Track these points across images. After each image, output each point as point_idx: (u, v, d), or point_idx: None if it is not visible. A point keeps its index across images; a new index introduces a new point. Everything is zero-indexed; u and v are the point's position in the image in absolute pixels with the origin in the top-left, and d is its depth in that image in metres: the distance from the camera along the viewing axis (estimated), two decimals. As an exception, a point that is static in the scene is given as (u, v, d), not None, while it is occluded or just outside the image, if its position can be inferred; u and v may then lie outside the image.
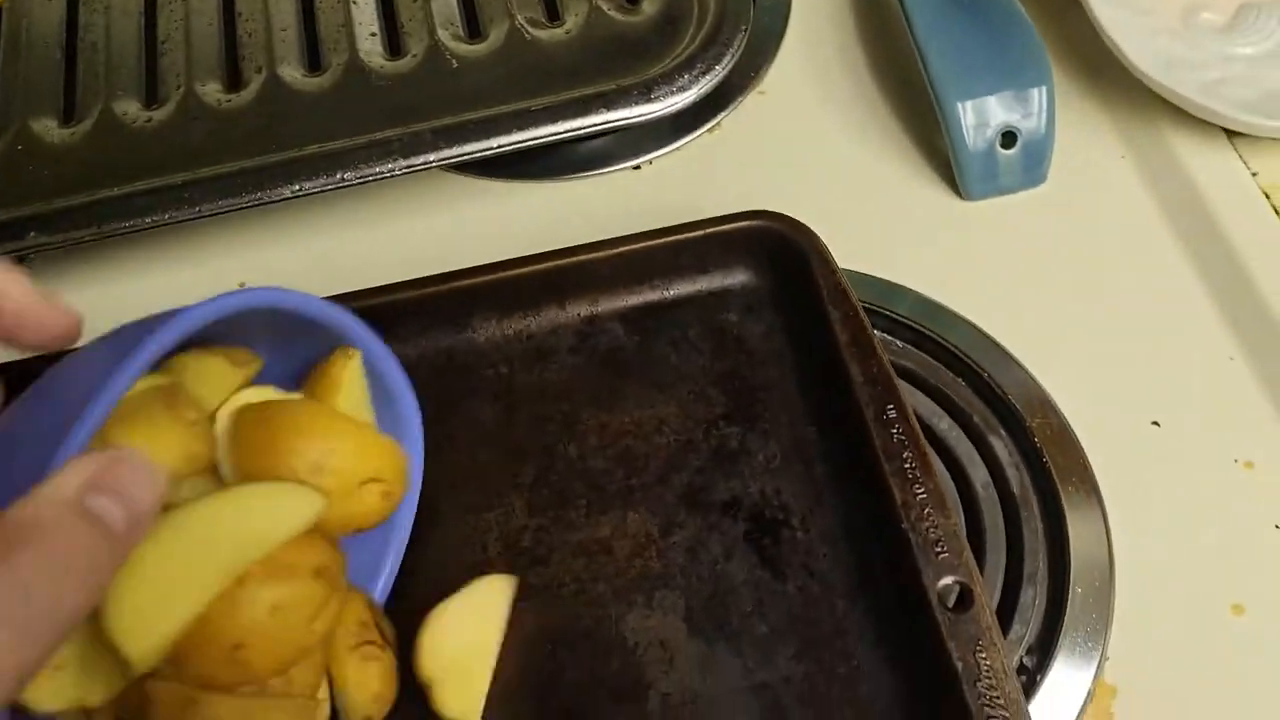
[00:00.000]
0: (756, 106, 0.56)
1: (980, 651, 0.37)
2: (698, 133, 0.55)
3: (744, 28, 0.49)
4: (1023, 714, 0.36)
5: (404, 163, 0.46)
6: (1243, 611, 0.41)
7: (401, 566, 0.40)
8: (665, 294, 0.48)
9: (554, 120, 0.46)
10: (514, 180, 0.54)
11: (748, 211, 0.47)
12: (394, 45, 0.54)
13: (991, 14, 0.52)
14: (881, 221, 0.52)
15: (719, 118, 0.55)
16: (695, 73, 0.48)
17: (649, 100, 0.47)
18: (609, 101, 0.47)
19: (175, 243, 0.53)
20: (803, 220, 0.47)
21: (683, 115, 0.55)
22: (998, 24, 0.52)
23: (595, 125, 0.46)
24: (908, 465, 0.41)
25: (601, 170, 0.54)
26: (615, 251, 0.47)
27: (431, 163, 0.46)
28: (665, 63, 0.49)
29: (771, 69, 0.57)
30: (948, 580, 0.38)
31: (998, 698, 0.36)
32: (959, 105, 0.50)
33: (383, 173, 0.46)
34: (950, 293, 0.49)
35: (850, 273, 0.49)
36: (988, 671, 0.37)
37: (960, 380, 0.47)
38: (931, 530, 0.39)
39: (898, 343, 0.48)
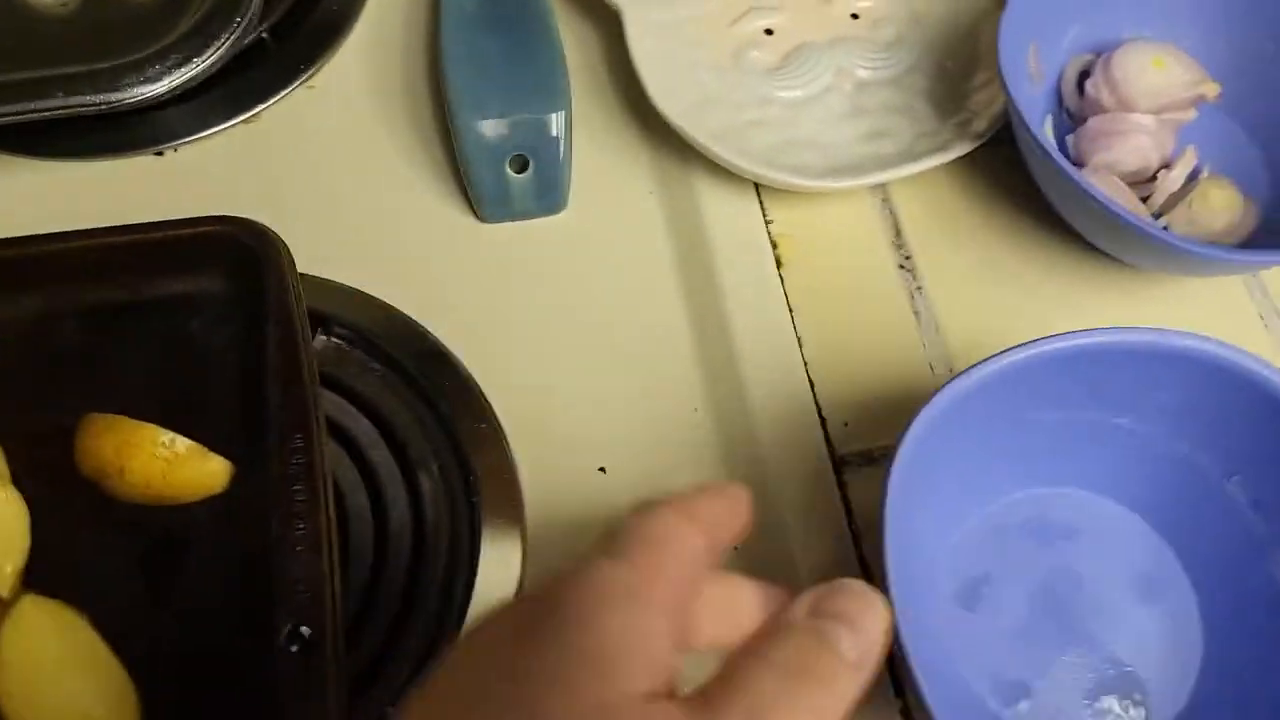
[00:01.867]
0: (303, 101, 0.53)
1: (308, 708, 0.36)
2: (233, 122, 0.52)
3: (238, 19, 0.46)
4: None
5: None
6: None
7: None
8: (130, 294, 0.46)
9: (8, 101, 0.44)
10: (25, 156, 0.51)
11: (213, 216, 0.45)
12: None
13: (524, 34, 0.51)
14: (394, 237, 0.50)
15: (259, 108, 0.53)
16: (171, 63, 0.45)
17: (114, 89, 0.45)
18: (71, 86, 0.44)
19: None
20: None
21: (219, 102, 0.53)
22: (528, 45, 0.50)
23: (48, 111, 0.44)
24: (298, 497, 0.40)
25: (121, 155, 0.51)
26: (74, 244, 0.45)
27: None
28: (153, 46, 0.46)
29: (329, 64, 0.54)
30: (295, 626, 0.37)
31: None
32: (469, 123, 0.48)
33: None
34: (442, 320, 0.47)
35: (348, 289, 0.48)
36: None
37: (416, 415, 0.46)
38: (298, 568, 0.38)
39: (376, 365, 0.47)
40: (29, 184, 0.50)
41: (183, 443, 0.41)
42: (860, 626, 0.29)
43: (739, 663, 0.28)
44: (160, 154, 0.51)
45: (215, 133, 0.52)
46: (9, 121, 0.44)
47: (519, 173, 0.49)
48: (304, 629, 0.37)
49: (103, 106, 0.44)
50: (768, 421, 0.45)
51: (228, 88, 0.53)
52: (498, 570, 0.42)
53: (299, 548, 0.39)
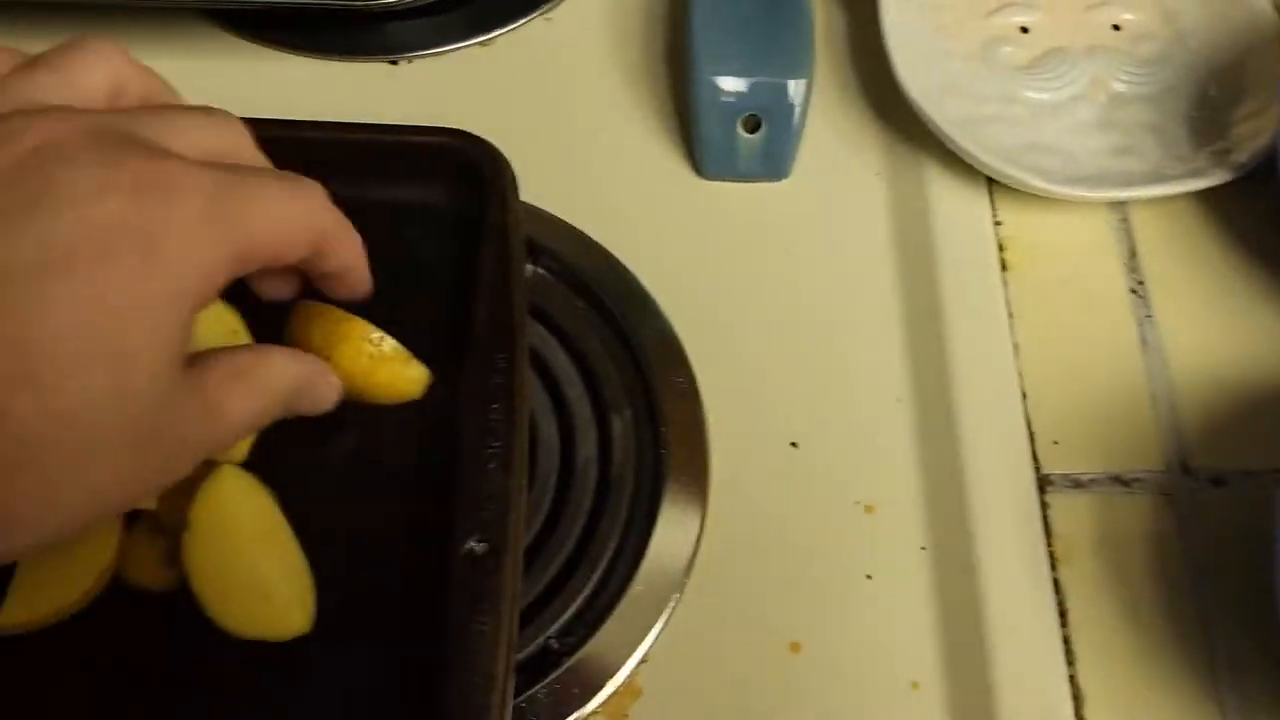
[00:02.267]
0: (538, 31, 0.53)
1: (481, 616, 0.36)
2: (468, 43, 0.52)
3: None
4: (497, 690, 0.34)
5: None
6: (800, 650, 0.40)
7: None
8: (351, 192, 0.46)
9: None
10: (267, 46, 0.52)
11: (446, 128, 0.45)
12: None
13: (777, -4, 0.49)
14: (612, 179, 0.49)
15: (495, 33, 0.53)
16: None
17: (377, -12, 0.45)
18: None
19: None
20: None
21: (458, 20, 0.53)
22: (779, 7, 0.49)
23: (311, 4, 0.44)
24: (492, 416, 0.39)
25: (357, 58, 0.51)
26: (307, 134, 0.45)
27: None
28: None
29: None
30: (476, 540, 0.37)
31: (480, 665, 0.35)
32: (708, 78, 0.47)
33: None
34: (650, 268, 0.46)
35: (561, 222, 0.48)
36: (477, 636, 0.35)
37: (614, 358, 0.45)
38: (488, 485, 0.38)
39: (580, 303, 0.46)
40: (266, 73, 0.51)
41: (389, 342, 0.40)
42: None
43: None
44: (394, 63, 0.52)
45: (450, 50, 0.52)
46: (264, 4, 0.44)
47: (750, 133, 0.48)
48: (484, 543, 0.37)
49: (358, 3, 0.44)
50: (972, 425, 0.43)
51: (470, 8, 0.53)
52: (675, 528, 0.41)
53: (490, 464, 0.38)
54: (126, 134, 0.28)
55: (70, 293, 0.25)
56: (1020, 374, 0.45)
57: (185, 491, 0.35)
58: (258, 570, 0.36)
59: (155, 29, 0.52)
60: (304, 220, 0.32)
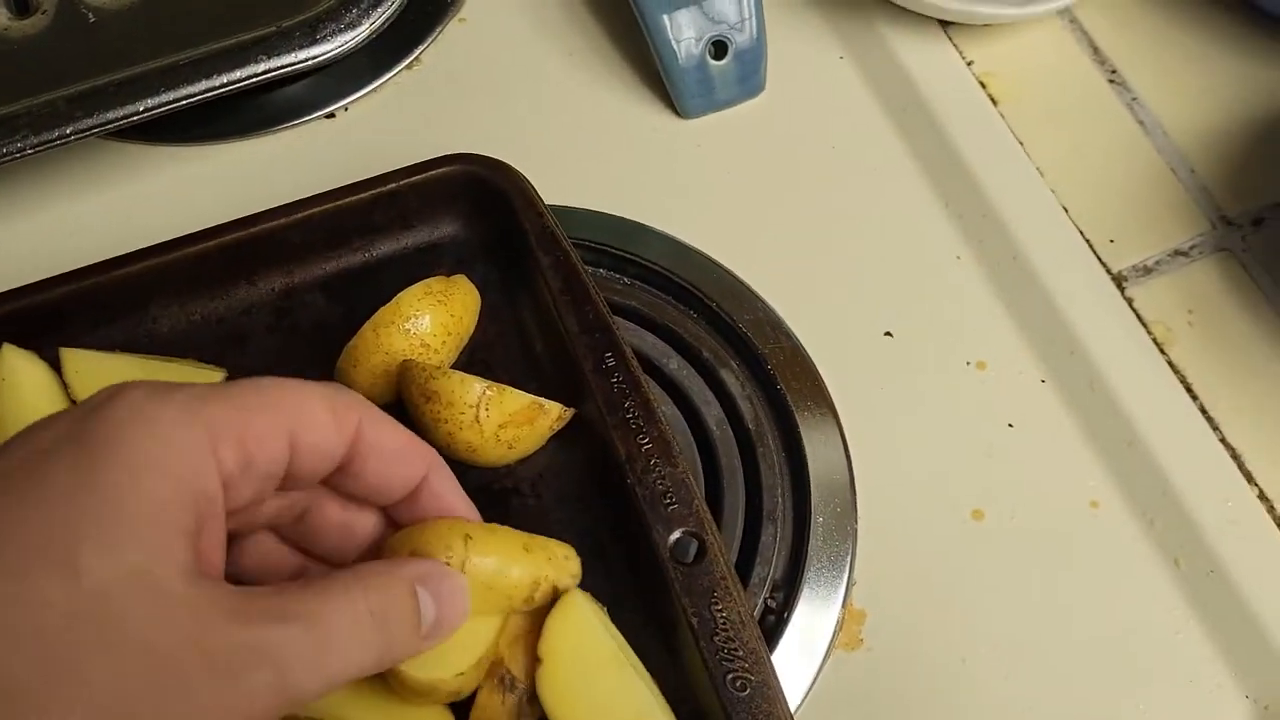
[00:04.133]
0: (458, 35, 0.51)
1: (715, 604, 0.35)
2: (395, 70, 0.50)
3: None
4: (762, 662, 0.34)
5: (35, 139, 0.40)
6: (983, 516, 0.41)
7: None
8: (368, 255, 0.44)
9: (208, 75, 0.41)
10: (191, 144, 0.48)
11: (445, 156, 0.43)
12: (20, 2, 0.47)
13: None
14: (598, 149, 0.48)
15: (417, 51, 0.50)
16: (364, 6, 0.43)
17: (314, 42, 0.42)
18: (270, 47, 0.41)
19: None
20: (512, 157, 0.43)
21: (377, 53, 0.50)
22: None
23: (255, 77, 0.41)
24: (630, 416, 0.38)
25: (292, 123, 0.48)
26: (304, 214, 0.42)
27: (70, 136, 0.40)
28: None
29: (470, -3, 0.52)
30: (678, 533, 0.36)
31: (736, 649, 0.35)
32: (663, 18, 0.47)
33: (12, 153, 0.39)
34: (673, 219, 0.46)
35: (566, 209, 0.47)
36: (724, 624, 0.35)
37: (689, 313, 0.44)
38: (659, 482, 0.37)
39: (623, 279, 0.45)
40: (210, 169, 0.48)
41: (515, 398, 0.39)
42: (447, 605, 0.30)
43: (334, 577, 0.28)
44: (332, 116, 0.49)
45: (382, 84, 0.50)
46: (217, 95, 0.41)
47: (718, 59, 0.47)
48: (687, 534, 0.36)
49: (309, 63, 0.42)
50: (1036, 254, 0.45)
51: (382, 38, 0.50)
52: (825, 455, 0.41)
53: (653, 460, 0.38)
54: None
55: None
56: (1054, 192, 0.47)
57: (521, 631, 0.34)
58: (623, 695, 0.34)
59: (62, 166, 0.48)
60: None
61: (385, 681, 0.32)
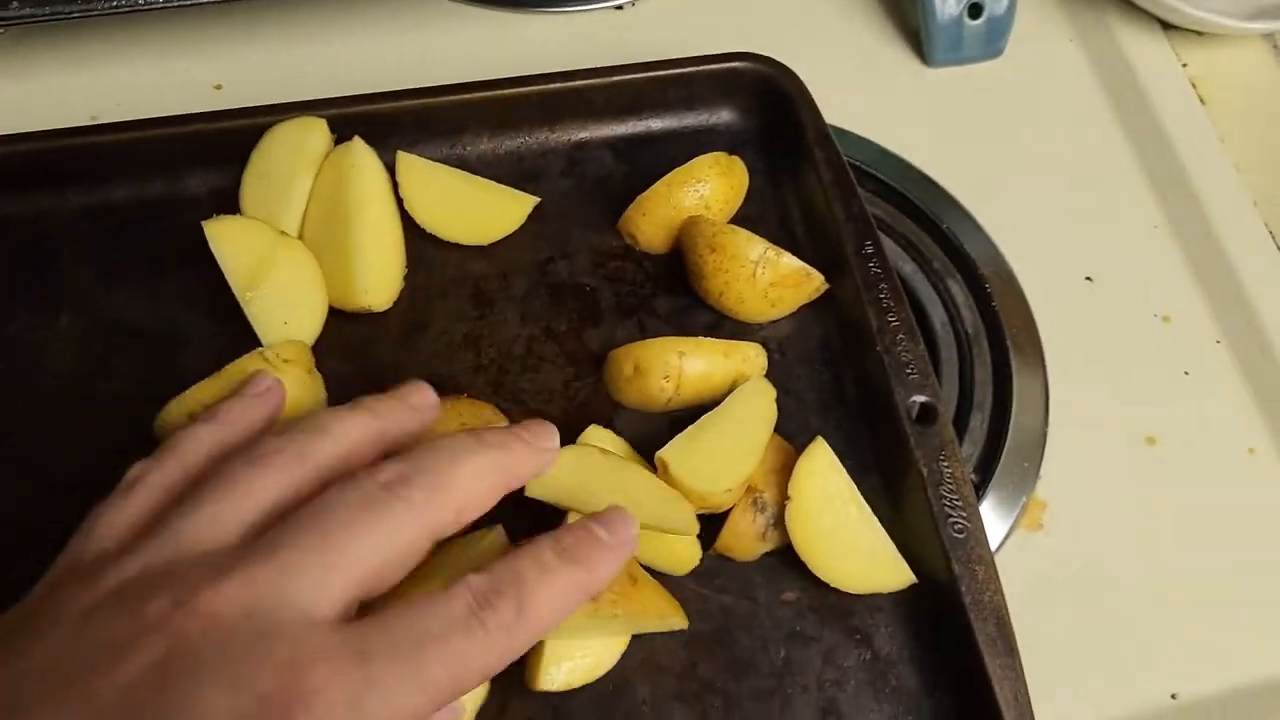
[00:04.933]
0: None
1: (944, 460, 0.41)
2: (678, -21, 0.56)
3: None
4: (977, 514, 0.40)
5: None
6: (1155, 442, 0.47)
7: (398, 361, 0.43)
8: (652, 126, 0.50)
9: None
10: (496, 9, 0.54)
11: (736, 53, 0.49)
12: None
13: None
14: (850, 79, 0.55)
15: (698, -34, 0.57)
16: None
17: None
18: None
19: (155, 35, 0.52)
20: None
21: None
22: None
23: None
24: (883, 296, 0.44)
25: (584, 7, 0.55)
26: (608, 80, 0.48)
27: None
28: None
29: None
30: (916, 398, 0.42)
31: (958, 501, 0.40)
32: (935, -26, 0.53)
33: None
34: (913, 150, 0.52)
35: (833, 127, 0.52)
36: (949, 478, 0.41)
37: (921, 230, 0.51)
38: (903, 354, 0.43)
39: (865, 191, 0.51)
40: (508, 34, 0.54)
41: (786, 261, 0.44)
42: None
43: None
44: (620, 8, 0.55)
45: (665, -12, 0.56)
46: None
47: (974, 19, 0.54)
48: (923, 400, 0.42)
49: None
50: (1225, 235, 0.51)
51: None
52: (1025, 362, 0.48)
53: (900, 335, 0.43)
54: (267, 612, 0.27)
55: None
56: (1247, 188, 0.53)
57: (773, 467, 0.40)
58: (859, 532, 0.40)
59: (394, 6, 0.54)
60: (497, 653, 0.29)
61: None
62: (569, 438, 0.39)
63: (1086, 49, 0.57)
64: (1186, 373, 0.49)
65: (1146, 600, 0.44)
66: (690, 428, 0.40)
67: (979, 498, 0.45)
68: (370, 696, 0.26)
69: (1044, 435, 0.46)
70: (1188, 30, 0.56)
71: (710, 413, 0.41)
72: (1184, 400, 0.48)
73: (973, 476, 0.45)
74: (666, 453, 0.39)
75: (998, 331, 0.48)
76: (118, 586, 0.27)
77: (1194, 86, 0.55)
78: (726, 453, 0.40)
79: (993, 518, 0.45)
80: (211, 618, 0.26)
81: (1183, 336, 0.49)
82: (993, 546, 0.44)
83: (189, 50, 0.52)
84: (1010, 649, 0.38)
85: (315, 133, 0.45)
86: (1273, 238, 0.52)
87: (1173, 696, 0.42)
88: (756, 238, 0.44)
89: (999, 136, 0.54)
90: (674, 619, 0.38)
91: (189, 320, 0.43)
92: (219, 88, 0.51)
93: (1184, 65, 0.56)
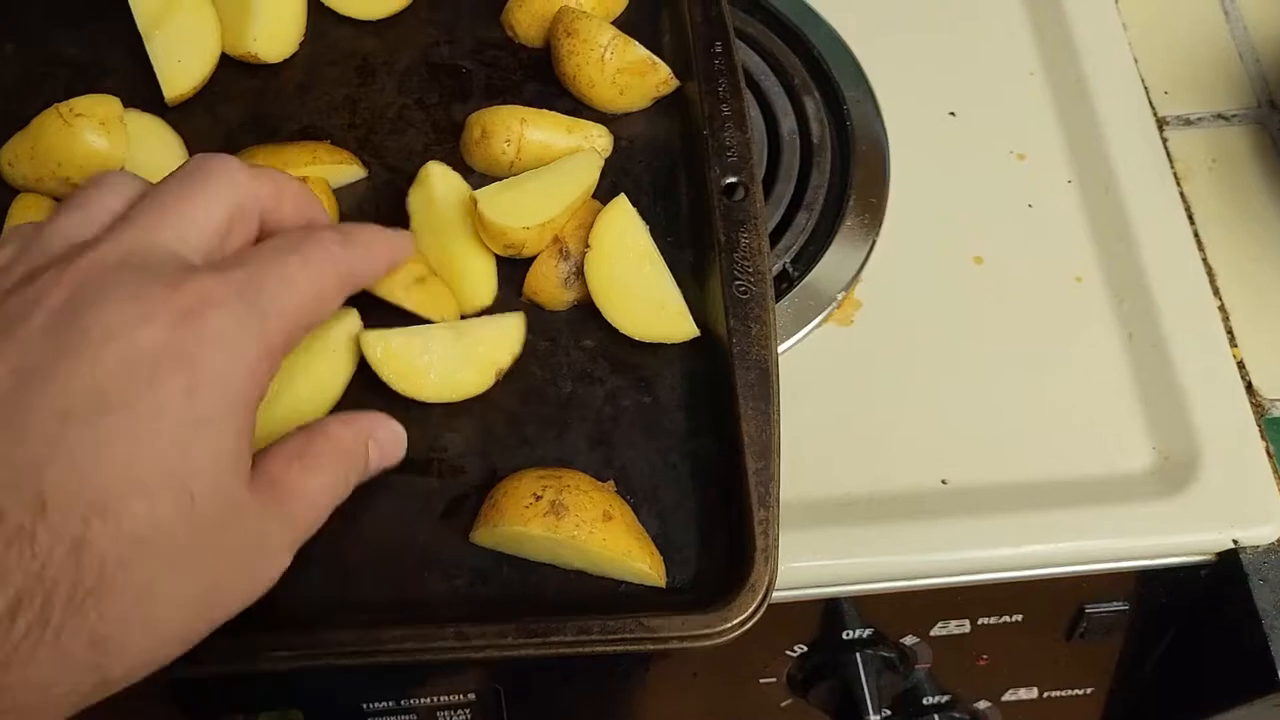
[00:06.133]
0: None
1: (743, 230, 0.44)
2: None
3: None
4: (764, 282, 0.43)
5: None
6: (982, 261, 0.49)
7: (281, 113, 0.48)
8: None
9: None
10: None
11: None
12: None
13: None
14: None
15: None
16: None
17: None
18: None
19: None
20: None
21: None
22: None
23: None
24: (720, 88, 0.47)
25: None
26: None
27: None
28: None
29: None
30: (731, 179, 0.45)
31: (749, 267, 0.43)
32: None
33: None
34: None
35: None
36: (745, 247, 0.43)
37: (791, 51, 0.53)
38: (728, 139, 0.46)
39: (739, 12, 0.54)
40: None
41: (634, 50, 0.47)
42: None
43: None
44: None
45: None
46: None
47: None
48: (735, 179, 0.45)
49: None
50: (1097, 83, 0.52)
51: None
52: (868, 177, 0.50)
53: (728, 124, 0.46)
54: (150, 250, 0.30)
55: (127, 426, 0.26)
56: (1130, 43, 0.54)
57: (583, 223, 0.43)
58: (651, 285, 0.43)
59: None
60: (329, 277, 0.33)
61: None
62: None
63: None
64: (1030, 205, 0.50)
65: (936, 396, 0.46)
66: (510, 179, 0.45)
67: (791, 285, 0.48)
68: (257, 295, 0.30)
69: (873, 242, 0.49)
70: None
71: (534, 170, 0.45)
72: (1020, 228, 0.50)
73: (791, 268, 0.48)
74: (480, 192, 0.43)
75: (846, 147, 0.51)
76: (9, 286, 0.30)
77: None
78: (533, 199, 0.44)
79: (803, 307, 0.47)
80: (98, 264, 0.29)
81: (1034, 173, 0.51)
82: (796, 335, 0.47)
83: None
84: (767, 396, 0.41)
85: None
86: (1146, 91, 0.52)
87: (943, 481, 0.44)
88: (608, 25, 0.47)
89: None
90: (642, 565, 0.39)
91: (113, 57, 0.49)
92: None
93: (1082, -76, 0.57)
